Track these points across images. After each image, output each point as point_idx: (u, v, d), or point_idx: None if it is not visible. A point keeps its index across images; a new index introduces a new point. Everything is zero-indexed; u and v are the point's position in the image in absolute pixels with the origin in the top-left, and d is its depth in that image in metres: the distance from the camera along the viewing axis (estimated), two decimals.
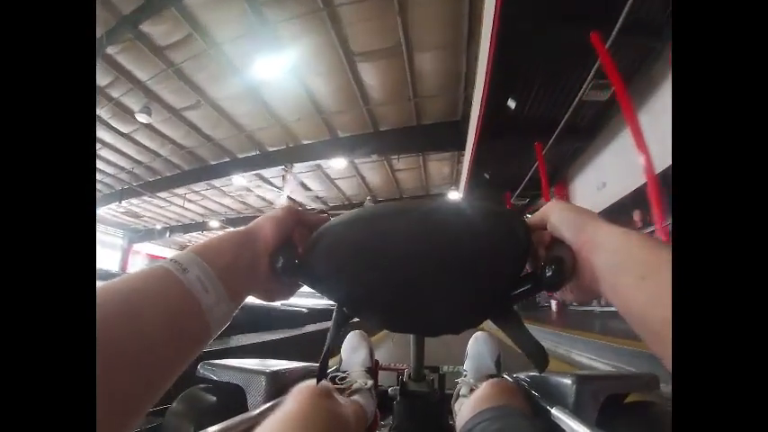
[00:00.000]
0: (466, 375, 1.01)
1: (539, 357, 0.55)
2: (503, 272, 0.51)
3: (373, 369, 1.02)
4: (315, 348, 0.61)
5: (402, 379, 0.99)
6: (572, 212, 0.49)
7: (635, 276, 0.38)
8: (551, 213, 0.51)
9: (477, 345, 1.12)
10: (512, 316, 0.58)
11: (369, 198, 13.88)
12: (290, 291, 0.56)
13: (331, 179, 12.73)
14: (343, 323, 0.60)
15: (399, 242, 0.50)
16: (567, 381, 0.83)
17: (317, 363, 0.61)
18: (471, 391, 0.88)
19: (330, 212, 0.63)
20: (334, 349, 0.63)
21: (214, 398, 0.94)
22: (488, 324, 0.62)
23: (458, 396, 0.94)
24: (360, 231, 0.51)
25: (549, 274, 0.47)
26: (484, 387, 0.78)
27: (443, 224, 0.50)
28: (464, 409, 0.77)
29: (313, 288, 0.55)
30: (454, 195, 9.76)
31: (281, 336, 3.48)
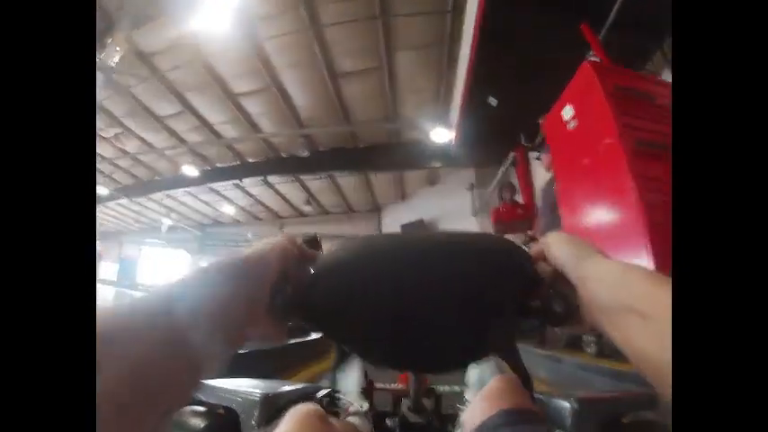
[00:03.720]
0: (466, 404, 0.93)
1: (527, 383, 0.57)
2: (508, 307, 0.50)
3: (368, 390, 0.96)
4: (312, 352, 0.61)
5: (399, 403, 0.95)
6: (571, 245, 0.48)
7: (637, 315, 0.37)
8: (551, 245, 0.50)
9: (479, 372, 1.00)
10: (513, 349, 0.58)
11: (306, 200, 13.30)
12: (285, 331, 0.52)
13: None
14: (344, 361, 0.59)
15: (402, 279, 0.49)
16: (566, 404, 0.81)
17: (312, 383, 0.59)
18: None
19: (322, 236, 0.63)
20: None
21: (206, 422, 0.90)
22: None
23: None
24: (362, 269, 0.51)
25: (555, 309, 0.47)
26: (492, 384, 0.72)
27: (446, 260, 0.50)
28: (472, 410, 0.71)
29: (310, 328, 0.54)
30: (439, 135, 8.20)
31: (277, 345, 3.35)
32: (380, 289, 0.49)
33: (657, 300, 0.36)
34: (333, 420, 0.64)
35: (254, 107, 8.26)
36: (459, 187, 10.95)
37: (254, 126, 8.88)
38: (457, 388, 0.99)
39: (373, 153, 9.66)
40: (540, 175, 5.41)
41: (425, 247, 0.51)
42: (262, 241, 0.50)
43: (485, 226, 10.17)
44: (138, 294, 0.47)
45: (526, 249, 0.53)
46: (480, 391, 0.68)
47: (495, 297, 0.49)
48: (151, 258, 19.01)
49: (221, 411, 0.89)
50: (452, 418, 0.90)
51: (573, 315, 0.46)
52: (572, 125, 3.10)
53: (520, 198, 6.33)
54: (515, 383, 0.68)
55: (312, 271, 0.51)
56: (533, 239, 0.57)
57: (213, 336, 0.37)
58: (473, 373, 0.95)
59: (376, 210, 13.91)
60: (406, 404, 0.88)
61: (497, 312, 0.50)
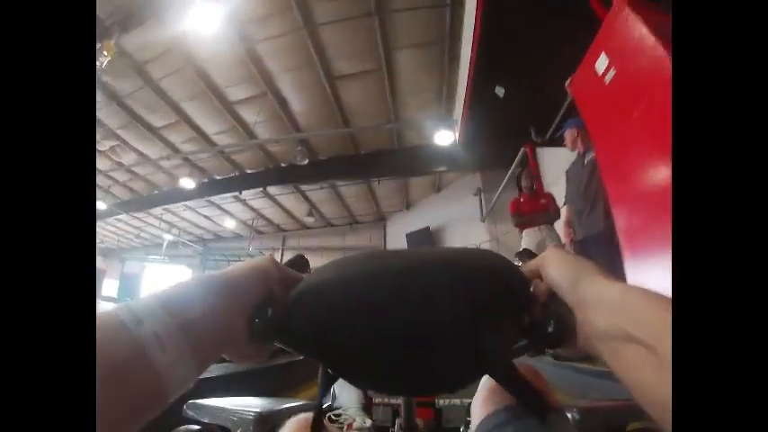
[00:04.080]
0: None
1: (539, 408, 0.56)
2: (500, 328, 0.49)
3: (368, 405, 0.98)
4: (317, 368, 0.58)
5: (397, 417, 0.95)
6: (568, 265, 0.46)
7: (637, 345, 0.34)
8: (548, 264, 0.48)
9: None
10: (510, 370, 0.58)
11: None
12: (265, 353, 0.51)
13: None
14: (330, 384, 0.58)
15: (389, 302, 0.47)
16: (567, 415, 0.78)
17: (306, 401, 0.62)
18: None
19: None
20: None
21: None
22: None
23: None
24: (345, 293, 0.48)
25: (549, 330, 0.45)
26: (491, 384, 0.70)
27: (435, 280, 0.48)
28: (475, 409, 0.72)
29: (293, 351, 0.52)
30: (443, 138, 7.81)
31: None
32: (366, 312, 0.48)
33: (660, 328, 0.34)
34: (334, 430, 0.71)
35: (250, 115, 8.02)
36: (466, 193, 10.76)
37: (251, 135, 8.66)
38: (457, 402, 1.10)
39: (375, 159, 9.36)
40: (552, 170, 5.06)
41: (412, 266, 0.49)
42: (244, 261, 0.50)
43: (493, 232, 10.04)
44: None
45: (519, 267, 0.52)
46: (480, 389, 0.70)
47: (487, 318, 0.48)
48: (154, 274, 18.81)
49: (215, 430, 0.91)
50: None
51: (568, 337, 0.44)
52: (609, 77, 2.56)
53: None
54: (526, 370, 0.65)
55: (294, 293, 0.50)
56: (531, 255, 0.57)
57: (182, 351, 0.37)
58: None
59: (381, 220, 13.64)
60: (398, 423, 0.88)
61: (489, 333, 0.49)
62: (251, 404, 0.96)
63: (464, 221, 10.74)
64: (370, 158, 9.37)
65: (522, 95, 5.68)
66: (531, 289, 0.49)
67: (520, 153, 7.17)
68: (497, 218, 10.25)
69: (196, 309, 0.39)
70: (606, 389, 2.48)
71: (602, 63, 2.61)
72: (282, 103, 7.59)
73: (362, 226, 13.85)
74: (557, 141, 6.24)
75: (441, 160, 8.80)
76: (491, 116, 6.38)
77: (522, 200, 4.79)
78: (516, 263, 0.56)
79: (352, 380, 0.56)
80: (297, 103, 7.68)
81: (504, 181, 8.67)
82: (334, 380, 0.58)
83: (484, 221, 10.40)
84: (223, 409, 0.93)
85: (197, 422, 0.95)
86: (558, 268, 0.46)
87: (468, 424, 0.94)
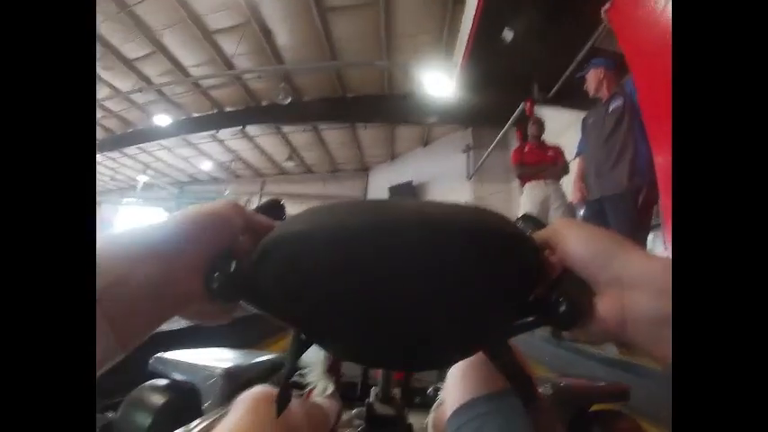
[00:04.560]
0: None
1: (526, 393, 0.53)
2: (504, 302, 0.45)
3: (335, 364, 0.95)
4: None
5: (368, 375, 1.01)
6: (596, 239, 0.40)
7: None
8: (565, 237, 0.41)
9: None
10: (506, 348, 0.54)
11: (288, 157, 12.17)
12: (229, 312, 0.46)
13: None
14: (302, 350, 0.51)
15: (373, 261, 0.40)
16: (541, 390, 0.80)
17: (275, 354, 0.66)
18: None
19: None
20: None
21: (165, 398, 0.89)
22: None
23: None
24: (323, 246, 0.40)
25: (561, 310, 0.40)
26: (471, 363, 0.64)
27: (430, 239, 0.39)
28: (448, 395, 0.65)
29: (261, 311, 0.46)
30: (437, 87, 7.17)
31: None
32: (344, 270, 0.41)
33: None
34: (295, 402, 0.65)
35: (231, 46, 7.38)
36: (455, 149, 10.46)
37: (231, 68, 8.05)
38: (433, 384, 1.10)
39: (363, 104, 8.84)
40: (550, 133, 4.56)
41: (406, 221, 0.40)
42: (201, 205, 0.44)
43: (479, 191, 9.81)
44: None
45: (530, 235, 0.45)
46: (460, 365, 0.64)
47: (492, 289, 0.43)
48: (128, 219, 18.23)
49: (182, 386, 0.88)
50: (428, 397, 1.02)
51: (581, 320, 0.40)
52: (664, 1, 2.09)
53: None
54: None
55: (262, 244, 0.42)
56: (534, 221, 0.51)
57: (132, 306, 0.36)
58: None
59: (364, 170, 13.22)
60: (374, 393, 0.86)
61: (493, 307, 0.45)
62: (220, 358, 0.95)
63: (450, 178, 10.49)
64: (357, 102, 8.87)
65: (531, 42, 5.16)
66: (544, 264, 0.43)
67: (518, 109, 6.79)
68: (485, 177, 10.06)
69: (136, 263, 0.36)
70: (586, 367, 2.44)
71: None
72: (267, 34, 6.98)
73: (345, 174, 13.42)
74: (561, 99, 5.90)
75: (432, 111, 8.35)
76: (493, 65, 5.87)
77: (526, 149, 4.32)
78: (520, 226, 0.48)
79: (327, 347, 0.53)
80: (282, 36, 7.06)
81: (497, 139, 8.36)
82: (306, 346, 0.51)
83: (470, 180, 10.17)
84: (190, 364, 0.91)
85: (164, 376, 0.92)
86: (582, 242, 0.40)
87: (437, 389, 0.95)
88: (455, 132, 10.28)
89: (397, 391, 0.90)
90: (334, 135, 11.05)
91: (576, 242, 0.40)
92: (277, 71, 7.83)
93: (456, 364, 0.66)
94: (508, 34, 5.19)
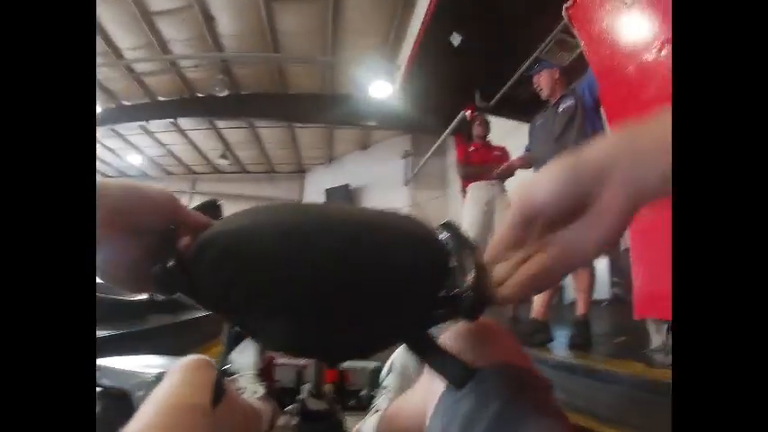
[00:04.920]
0: (385, 393, 0.93)
1: (459, 375, 0.53)
2: (418, 296, 0.49)
3: (266, 369, 0.94)
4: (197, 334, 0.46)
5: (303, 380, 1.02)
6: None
7: None
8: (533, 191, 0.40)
9: (405, 357, 1.01)
10: (428, 341, 0.56)
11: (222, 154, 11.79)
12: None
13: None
14: (235, 343, 0.56)
15: (302, 259, 0.45)
16: None
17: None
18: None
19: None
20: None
21: (97, 406, 0.86)
22: None
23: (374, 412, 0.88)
24: (257, 244, 0.45)
25: (467, 302, 0.45)
26: (460, 332, 0.60)
27: (350, 241, 0.46)
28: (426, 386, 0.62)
29: (197, 304, 0.48)
30: (379, 89, 7.20)
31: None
32: (275, 267, 0.45)
33: None
34: (230, 391, 0.65)
35: (170, 31, 6.99)
36: (393, 154, 10.60)
37: (168, 53, 7.62)
38: (361, 364, 1.16)
39: (304, 101, 8.63)
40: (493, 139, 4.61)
41: (331, 224, 0.47)
42: (133, 184, 0.45)
43: (416, 197, 9.94)
44: None
45: (440, 236, 0.52)
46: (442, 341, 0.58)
47: (406, 284, 0.48)
48: None
49: (113, 393, 0.87)
50: (361, 399, 1.07)
51: (483, 308, 0.45)
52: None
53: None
54: (501, 332, 0.60)
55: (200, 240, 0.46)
56: (454, 228, 0.53)
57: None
58: (400, 357, 1.02)
59: (300, 171, 12.99)
60: (307, 389, 0.88)
61: (408, 301, 0.49)
62: (152, 364, 0.94)
63: (388, 183, 10.57)
64: (297, 100, 8.65)
65: (477, 49, 5.26)
66: (452, 258, 0.48)
67: (458, 117, 6.91)
68: (422, 184, 10.21)
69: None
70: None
71: None
72: (209, 20, 6.67)
73: (281, 176, 13.11)
74: (502, 109, 6.04)
75: (373, 114, 8.31)
76: (437, 69, 5.95)
77: (472, 148, 4.23)
78: (439, 234, 0.52)
79: (259, 340, 0.56)
80: (225, 24, 6.77)
81: (436, 145, 8.49)
82: (239, 340, 0.56)
83: (408, 186, 10.27)
84: (121, 371, 0.90)
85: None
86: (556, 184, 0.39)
87: (372, 387, 1.01)
88: (394, 137, 10.34)
89: (329, 387, 0.94)
90: (271, 133, 10.77)
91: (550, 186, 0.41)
92: (216, 60, 7.57)
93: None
94: (456, 38, 5.22)
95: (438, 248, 0.49)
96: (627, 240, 2.26)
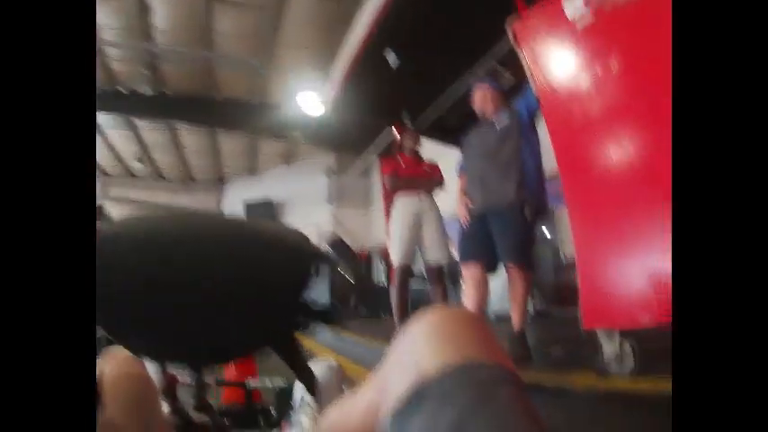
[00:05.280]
0: (306, 409, 0.87)
1: (307, 381, 0.64)
2: (279, 303, 0.53)
3: (169, 388, 0.87)
4: None
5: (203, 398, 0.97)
6: None
7: None
8: None
9: (322, 370, 0.91)
10: (291, 343, 0.60)
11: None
12: None
13: None
14: (100, 347, 0.55)
15: (165, 265, 0.47)
16: None
17: None
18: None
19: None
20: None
21: None
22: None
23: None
24: (117, 249, 0.47)
25: (325, 309, 0.53)
26: (427, 323, 0.50)
27: (216, 248, 0.49)
28: (397, 371, 0.49)
29: None
30: (309, 103, 7.22)
31: None
32: (140, 272, 0.47)
33: None
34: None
35: (102, 17, 6.43)
36: (317, 171, 10.66)
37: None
38: (269, 383, 1.13)
39: (229, 108, 8.43)
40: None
41: (191, 230, 0.49)
42: None
43: (339, 216, 9.97)
44: None
45: (311, 243, 0.55)
46: (408, 330, 0.50)
47: (267, 290, 0.51)
48: None
49: None
50: (271, 418, 1.01)
51: (341, 315, 0.45)
52: (584, 21, 2.14)
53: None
54: (466, 321, 0.50)
55: None
56: (342, 245, 0.66)
57: None
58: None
59: (219, 180, 12.61)
60: (189, 401, 0.83)
61: (269, 307, 0.52)
62: None
63: (310, 200, 10.57)
64: (224, 105, 8.42)
65: (412, 68, 5.39)
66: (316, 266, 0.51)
67: (383, 133, 7.05)
68: (345, 202, 10.27)
69: None
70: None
71: (574, 4, 2.21)
72: (144, 10, 6.39)
73: (198, 185, 12.65)
74: (429, 131, 6.18)
75: (301, 127, 8.26)
76: (369, 87, 5.99)
77: (401, 161, 3.96)
78: (317, 244, 0.56)
79: (123, 342, 0.55)
80: (161, 16, 6.50)
81: (361, 164, 8.64)
82: (109, 344, 0.56)
83: (331, 203, 10.29)
84: None
85: None
86: None
87: (281, 405, 0.99)
88: (319, 154, 10.35)
89: (213, 400, 0.91)
90: (192, 139, 10.36)
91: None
92: (144, 55, 7.28)
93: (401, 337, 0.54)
94: (392, 57, 5.31)
95: (300, 258, 0.52)
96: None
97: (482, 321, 0.50)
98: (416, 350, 0.46)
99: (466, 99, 3.32)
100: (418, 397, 0.41)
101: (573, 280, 2.32)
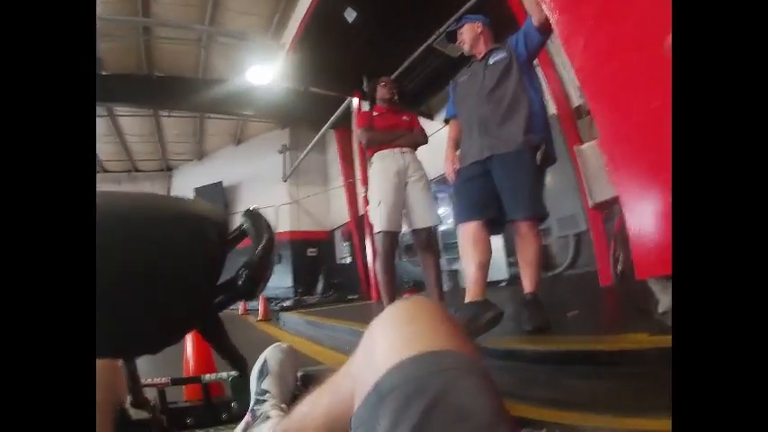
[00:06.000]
0: (267, 397, 0.91)
1: (238, 363, 0.64)
2: (195, 283, 0.51)
3: (135, 390, 0.83)
4: None
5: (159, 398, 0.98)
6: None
7: None
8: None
9: (279, 356, 1.00)
10: (216, 325, 0.60)
11: None
12: None
13: None
14: None
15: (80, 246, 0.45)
16: None
17: None
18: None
19: None
20: None
21: None
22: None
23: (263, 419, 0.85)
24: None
25: (240, 282, 0.52)
26: (392, 315, 0.54)
27: (128, 234, 0.47)
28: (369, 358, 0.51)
29: None
30: (258, 76, 6.59)
31: None
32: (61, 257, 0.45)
33: None
34: None
35: None
36: (270, 149, 10.27)
37: None
38: (224, 375, 1.15)
39: (171, 86, 7.76)
40: None
41: (110, 211, 0.46)
42: None
43: (294, 194, 9.67)
44: None
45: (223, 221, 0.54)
46: (378, 321, 0.54)
47: (183, 272, 0.49)
48: None
49: None
50: (232, 411, 1.08)
51: (257, 289, 0.53)
52: None
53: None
54: (431, 308, 0.54)
55: None
56: (256, 216, 0.62)
57: None
58: (274, 357, 1.02)
59: (167, 170, 11.96)
60: (128, 399, 0.80)
61: (186, 289, 0.51)
62: None
63: (265, 180, 10.24)
64: (166, 84, 7.76)
65: (373, 26, 5.03)
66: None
67: (343, 105, 6.71)
68: (301, 180, 9.97)
69: None
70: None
71: None
72: None
73: (144, 175, 11.93)
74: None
75: (251, 103, 7.72)
76: (324, 52, 5.61)
77: (375, 113, 3.44)
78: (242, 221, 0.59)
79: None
80: None
81: (315, 139, 8.31)
82: None
83: (286, 182, 9.96)
84: None
85: None
86: None
87: (240, 397, 1.04)
88: (271, 131, 9.97)
89: (153, 395, 0.94)
90: (133, 125, 9.72)
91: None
92: None
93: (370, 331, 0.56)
94: (351, 13, 4.94)
95: (213, 238, 0.51)
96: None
97: (443, 310, 0.54)
98: (385, 340, 0.50)
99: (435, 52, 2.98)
100: (388, 386, 0.43)
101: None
